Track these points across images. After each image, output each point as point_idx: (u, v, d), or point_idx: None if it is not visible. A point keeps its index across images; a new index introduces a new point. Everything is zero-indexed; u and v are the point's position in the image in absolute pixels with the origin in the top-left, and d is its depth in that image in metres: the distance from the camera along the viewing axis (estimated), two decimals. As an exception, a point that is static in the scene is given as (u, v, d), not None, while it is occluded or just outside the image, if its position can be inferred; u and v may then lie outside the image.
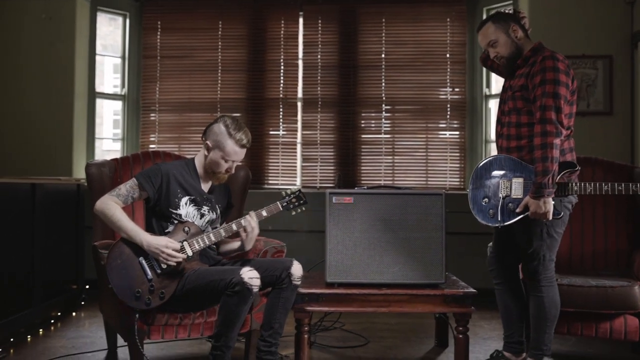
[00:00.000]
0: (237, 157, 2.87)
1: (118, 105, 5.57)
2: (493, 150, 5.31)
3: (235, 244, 3.00)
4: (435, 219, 3.11)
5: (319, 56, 5.38)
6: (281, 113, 5.40)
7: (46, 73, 5.03)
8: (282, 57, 5.40)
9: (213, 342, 2.70)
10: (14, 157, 4.96)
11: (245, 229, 2.85)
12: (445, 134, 5.37)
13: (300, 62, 5.40)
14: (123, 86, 5.50)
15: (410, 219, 3.11)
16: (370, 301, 3.04)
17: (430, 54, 5.35)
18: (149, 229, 2.88)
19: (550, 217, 2.68)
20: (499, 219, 2.78)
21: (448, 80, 5.34)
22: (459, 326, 3.04)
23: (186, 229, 2.81)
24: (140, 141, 5.45)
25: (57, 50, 5.05)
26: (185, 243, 2.77)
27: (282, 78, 5.40)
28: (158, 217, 2.85)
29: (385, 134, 5.36)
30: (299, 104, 5.40)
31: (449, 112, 5.34)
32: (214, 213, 2.95)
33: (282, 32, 5.41)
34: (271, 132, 5.37)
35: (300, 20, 5.40)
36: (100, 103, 5.44)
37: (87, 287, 4.63)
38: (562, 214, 2.74)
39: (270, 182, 5.37)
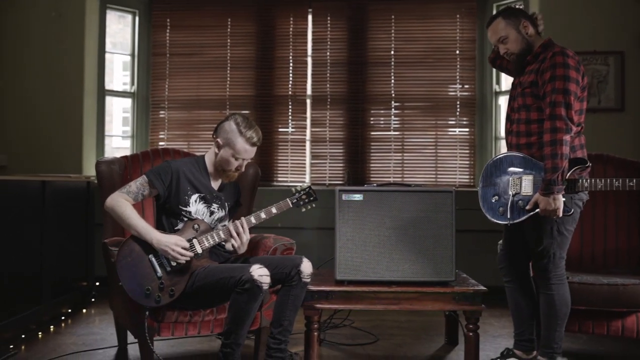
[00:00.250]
0: (248, 155, 2.87)
1: (127, 102, 5.58)
2: (503, 147, 5.28)
3: (230, 245, 2.98)
4: (446, 216, 3.10)
5: (328, 53, 5.37)
6: (290, 110, 5.39)
7: (56, 70, 5.05)
8: (291, 54, 5.39)
9: (223, 339, 2.70)
10: (24, 154, 4.99)
11: (232, 234, 2.80)
12: (455, 131, 5.35)
13: (309, 59, 5.39)
14: (132, 84, 5.51)
15: (420, 216, 3.10)
16: (380, 299, 3.03)
17: (440, 50, 5.32)
18: (159, 226, 2.88)
19: (561, 214, 2.66)
20: (509, 217, 2.77)
21: (458, 77, 5.31)
22: (469, 324, 3.03)
23: (196, 226, 2.81)
24: (150, 138, 5.46)
25: (67, 48, 5.06)
26: (194, 240, 2.77)
27: (291, 75, 5.40)
28: (168, 214, 2.86)
29: (394, 131, 5.34)
30: (308, 101, 5.39)
31: (458, 109, 5.31)
32: (223, 211, 2.95)
33: (291, 29, 5.40)
34: (280, 130, 5.37)
35: (309, 17, 5.38)
36: (109, 101, 5.46)
37: (97, 284, 4.65)
38: (573, 210, 2.72)
39: (279, 179, 5.37)
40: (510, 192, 2.78)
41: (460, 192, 3.12)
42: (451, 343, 3.54)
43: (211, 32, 5.44)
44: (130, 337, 3.35)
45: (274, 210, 2.91)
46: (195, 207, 2.85)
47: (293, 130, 5.39)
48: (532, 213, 2.72)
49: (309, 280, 2.84)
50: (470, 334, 3.02)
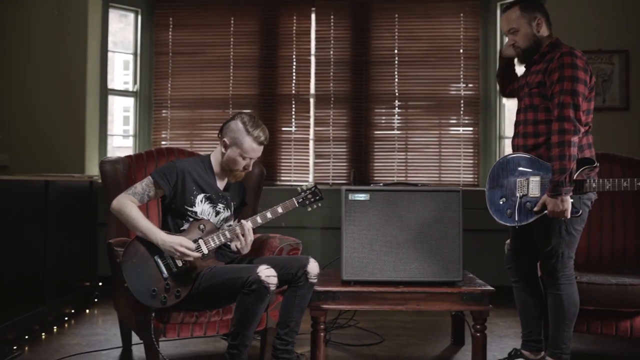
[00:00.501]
0: (255, 155, 2.85)
1: (128, 102, 5.55)
2: (507, 146, 5.26)
3: (234, 246, 2.96)
4: (452, 216, 3.08)
5: (331, 52, 5.35)
6: (293, 109, 5.37)
7: (57, 70, 5.02)
8: (294, 53, 5.37)
9: (229, 340, 2.68)
10: (26, 154, 4.96)
11: (238, 235, 2.79)
12: (459, 130, 5.33)
13: (312, 58, 5.37)
14: (135, 83, 5.49)
15: (427, 216, 3.08)
16: (387, 299, 3.01)
17: (444, 49, 5.30)
18: (165, 226, 2.86)
19: (569, 216, 2.64)
20: (517, 219, 2.75)
21: (461, 76, 5.29)
22: (476, 324, 3.01)
23: (201, 226, 2.79)
24: (152, 138, 5.44)
25: (69, 47, 5.03)
26: (200, 241, 2.75)
27: (294, 74, 5.37)
28: (173, 214, 2.84)
29: (398, 130, 5.32)
30: (312, 100, 5.37)
31: (462, 108, 5.29)
32: (229, 210, 2.93)
33: (294, 28, 5.37)
34: (283, 129, 5.34)
35: (313, 16, 5.36)
36: (110, 100, 5.43)
37: (100, 284, 4.63)
38: (581, 211, 2.70)
39: (282, 178, 5.34)
40: (517, 194, 2.76)
41: (464, 191, 3.10)
42: (457, 343, 3.51)
43: (214, 31, 5.41)
44: (135, 338, 3.32)
45: (280, 209, 2.89)
46: (201, 207, 2.83)
47: (296, 129, 5.36)
48: (539, 215, 2.70)
49: (315, 280, 2.83)
50: (478, 334, 3.01)
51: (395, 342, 3.55)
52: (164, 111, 5.45)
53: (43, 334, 3.62)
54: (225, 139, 2.83)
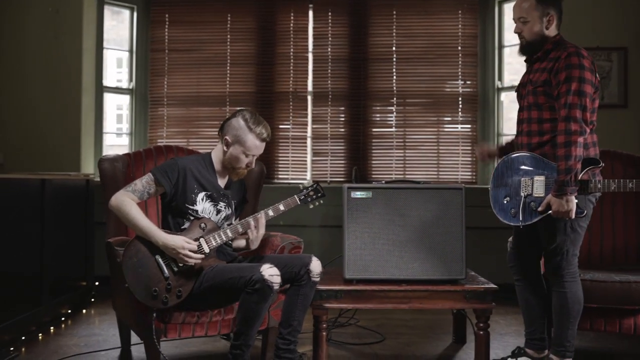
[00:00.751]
0: (258, 151, 2.82)
1: (121, 99, 5.51)
2: (505, 143, 5.24)
3: (242, 242, 2.94)
4: (455, 214, 3.06)
5: (329, 49, 5.32)
6: (291, 107, 5.33)
7: (53, 67, 4.97)
8: (291, 50, 5.33)
9: (232, 340, 2.65)
10: (21, 153, 4.90)
11: (251, 227, 2.77)
12: (457, 127, 5.31)
13: (310, 55, 5.34)
14: (131, 80, 5.43)
15: (430, 214, 3.06)
16: (389, 297, 2.99)
17: (442, 46, 5.28)
18: (165, 225, 2.82)
19: (573, 216, 2.62)
20: (521, 219, 2.72)
21: (460, 73, 5.27)
22: (479, 322, 2.99)
23: (202, 225, 2.75)
24: (149, 135, 5.39)
25: (64, 44, 4.98)
26: (202, 240, 2.71)
27: (291, 71, 5.34)
28: (174, 213, 2.80)
29: (396, 127, 5.30)
30: (309, 98, 5.34)
31: (460, 105, 5.27)
32: (230, 209, 2.90)
33: (291, 24, 5.34)
34: (281, 127, 5.31)
35: (310, 12, 5.33)
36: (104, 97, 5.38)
37: (97, 283, 4.58)
38: (586, 211, 2.68)
39: (280, 176, 5.31)
40: (522, 193, 2.74)
41: (463, 189, 3.09)
42: (459, 342, 3.50)
43: (211, 28, 5.37)
44: (134, 338, 3.28)
45: (281, 207, 2.86)
46: (202, 205, 2.80)
47: (294, 127, 5.33)
48: (544, 215, 2.68)
49: (318, 279, 2.80)
50: (481, 332, 2.99)
51: (397, 341, 3.53)
52: (160, 109, 5.41)
53: (40, 334, 3.58)
54: (227, 137, 2.80)
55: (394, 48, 5.29)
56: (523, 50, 2.85)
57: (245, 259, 2.92)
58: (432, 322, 3.98)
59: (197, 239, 2.70)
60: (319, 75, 5.33)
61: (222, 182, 2.89)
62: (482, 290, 2.97)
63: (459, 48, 5.26)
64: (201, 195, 2.79)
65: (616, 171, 3.40)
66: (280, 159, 5.32)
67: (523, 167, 2.77)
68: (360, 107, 5.30)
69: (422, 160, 5.28)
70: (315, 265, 2.77)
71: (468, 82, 5.27)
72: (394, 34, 5.29)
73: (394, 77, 5.30)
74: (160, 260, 2.64)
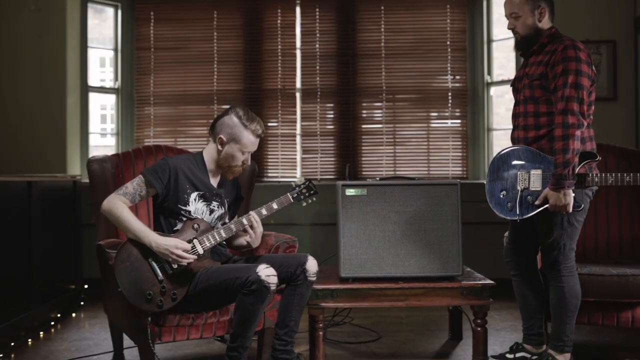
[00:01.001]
0: (253, 148, 2.77)
1: (105, 99, 5.43)
2: (496, 138, 5.25)
3: (244, 241, 2.89)
4: (451, 210, 3.04)
5: (317, 45, 5.28)
6: (279, 104, 5.29)
7: (37, 66, 4.88)
8: (279, 47, 5.28)
9: (229, 342, 2.60)
10: (6, 154, 4.80)
11: (250, 227, 2.73)
12: (447, 123, 5.30)
13: (298, 52, 5.29)
14: (116, 79, 5.35)
15: (425, 210, 3.03)
16: (386, 295, 2.96)
17: (430, 41, 5.26)
18: (157, 227, 2.76)
19: (571, 210, 2.61)
20: (518, 212, 2.70)
21: (449, 68, 5.26)
22: (476, 319, 2.97)
23: (195, 225, 2.70)
24: (136, 135, 5.31)
25: (48, 43, 4.89)
26: (195, 241, 2.66)
27: (279, 68, 5.29)
28: (166, 214, 2.74)
29: (386, 123, 5.27)
30: (298, 95, 5.29)
31: (450, 101, 5.26)
32: (223, 208, 2.85)
33: (278, 21, 5.28)
34: (270, 124, 5.26)
35: (297, 8, 5.28)
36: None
37: (86, 286, 4.51)
38: (583, 205, 2.67)
39: (269, 175, 5.26)
40: (518, 187, 2.71)
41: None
42: (455, 338, 3.48)
43: (197, 25, 5.30)
44: (126, 342, 3.22)
45: (275, 205, 2.81)
46: (195, 205, 2.74)
47: (283, 124, 5.28)
48: (541, 209, 2.66)
49: (314, 278, 2.76)
50: (479, 328, 2.97)
51: (393, 339, 3.51)
52: (147, 108, 5.33)
53: (29, 340, 3.51)
54: (221, 136, 2.74)
55: (382, 44, 5.26)
56: (518, 45, 2.83)
57: (240, 259, 2.87)
58: (428, 318, 3.96)
59: (190, 240, 2.65)
60: (308, 72, 5.28)
61: (214, 182, 2.84)
62: (479, 287, 2.95)
63: (448, 43, 5.24)
64: (194, 195, 2.74)
65: (610, 164, 3.39)
66: (270, 157, 5.27)
67: (519, 161, 2.74)
68: (349, 103, 5.26)
69: (412, 156, 5.27)
70: (312, 265, 2.73)
71: (457, 77, 5.26)
72: (382, 30, 5.26)
73: (383, 72, 5.27)
74: (153, 263, 2.58)
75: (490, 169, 2.83)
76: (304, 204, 2.89)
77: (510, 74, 5.17)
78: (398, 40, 5.26)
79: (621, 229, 3.41)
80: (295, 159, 5.29)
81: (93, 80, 5.31)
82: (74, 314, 4.16)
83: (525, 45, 2.81)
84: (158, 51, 5.32)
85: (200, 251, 2.65)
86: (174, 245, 2.56)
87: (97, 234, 3.06)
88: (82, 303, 4.41)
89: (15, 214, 3.57)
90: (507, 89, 4.95)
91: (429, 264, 3.01)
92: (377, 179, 3.14)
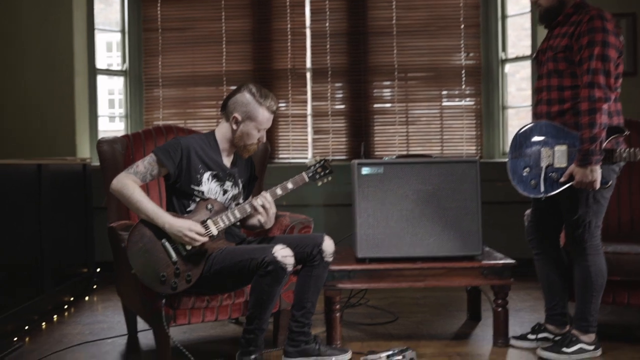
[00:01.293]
0: (269, 124, 2.71)
1: (113, 84, 5.36)
2: (511, 117, 5.15)
3: (257, 220, 2.83)
4: (470, 188, 2.97)
5: (327, 24, 5.16)
6: (290, 84, 5.19)
7: (44, 49, 4.81)
8: (289, 25, 5.17)
9: (245, 325, 2.55)
10: (15, 138, 4.75)
11: (262, 208, 2.65)
12: (460, 101, 5.19)
13: (308, 31, 5.18)
14: (124, 61, 5.27)
15: (444, 189, 2.96)
16: (404, 276, 2.90)
17: (443, 18, 5.13)
18: (170, 208, 2.70)
19: (598, 186, 2.52)
20: (542, 190, 2.62)
21: (462, 45, 5.14)
22: (497, 299, 2.91)
23: (209, 206, 2.64)
24: (145, 118, 5.24)
25: (54, 26, 4.81)
26: (209, 221, 2.59)
27: (289, 48, 5.18)
28: (179, 195, 2.68)
29: (398, 102, 5.17)
30: (308, 75, 5.20)
31: (463, 79, 5.15)
32: (237, 188, 2.78)
33: (288, -1, 5.18)
34: (280, 105, 5.17)
35: (307, -14, 5.17)
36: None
37: (98, 270, 4.48)
38: (611, 182, 2.58)
39: (280, 156, 5.19)
40: (542, 164, 2.63)
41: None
42: (474, 319, 3.41)
43: (204, 5, 5.18)
44: (140, 325, 3.19)
45: (289, 185, 2.74)
46: (208, 186, 2.68)
47: (293, 105, 5.20)
48: (566, 186, 2.57)
49: (331, 259, 2.69)
50: (499, 309, 2.91)
51: (410, 320, 3.45)
52: (155, 90, 5.25)
53: (43, 323, 3.48)
54: (235, 115, 2.66)
55: (394, 21, 5.14)
56: (542, 18, 2.73)
57: (255, 240, 2.80)
58: (444, 299, 3.90)
59: (204, 221, 2.58)
60: (318, 51, 5.18)
61: (227, 161, 2.77)
62: (500, 266, 2.89)
63: (461, 19, 5.12)
64: (207, 175, 2.67)
65: (633, 140, 3.29)
66: (281, 138, 5.19)
67: (543, 136, 2.65)
68: (360, 82, 5.16)
69: (425, 135, 5.17)
70: (328, 245, 2.67)
71: (471, 54, 5.14)
72: (394, 7, 5.13)
73: (395, 50, 5.15)
74: (167, 244, 2.53)
75: (512, 146, 2.74)
76: (320, 183, 2.82)
77: (522, 51, 5.05)
78: (410, 17, 5.14)
79: (644, 206, 3.32)
80: (306, 139, 5.21)
81: (101, 64, 5.23)
82: (87, 298, 4.13)
83: (549, 17, 2.70)
84: (165, 32, 5.23)
85: (215, 232, 2.59)
86: (188, 227, 2.50)
87: (108, 216, 3.01)
88: (94, 286, 4.37)
89: (25, 198, 3.52)
90: (518, 68, 4.82)
91: (448, 243, 2.95)
92: (394, 157, 3.07)
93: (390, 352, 2.51)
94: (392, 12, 5.14)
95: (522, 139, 2.71)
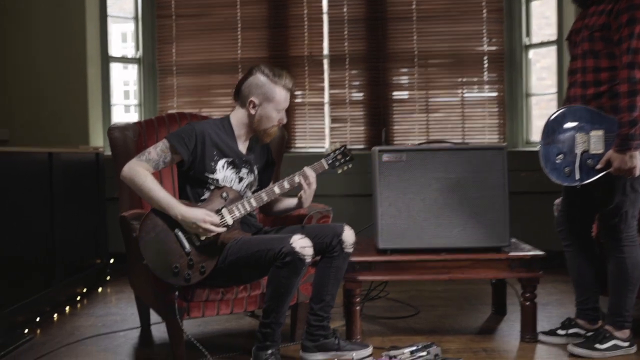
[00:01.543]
0: (287, 104, 2.60)
1: (128, 74, 5.26)
2: (535, 104, 4.98)
3: (291, 202, 2.71)
4: (497, 176, 2.82)
5: (345, 9, 5.02)
6: (306, 72, 5.07)
7: (56, 37, 4.72)
8: (305, 11, 5.04)
9: (261, 319, 2.44)
10: (26, 128, 4.68)
11: (305, 181, 2.55)
12: (483, 89, 5.04)
13: (325, 17, 5.04)
14: (137, 49, 5.17)
15: (469, 177, 2.82)
16: (428, 268, 2.77)
17: (465, 2, 4.96)
18: (183, 196, 2.59)
19: (638, 173, 2.37)
20: (577, 178, 2.47)
21: (484, 31, 4.97)
22: (525, 292, 2.78)
23: (224, 194, 2.52)
24: (159, 107, 5.15)
25: (67, 13, 4.73)
26: (224, 210, 2.48)
27: (306, 34, 5.05)
28: (192, 183, 2.57)
29: (418, 90, 5.03)
30: (325, 62, 5.06)
31: (485, 65, 4.99)
32: (252, 175, 2.66)
33: (304, -17, 5.04)
34: (296, 93, 5.05)
35: (324, -30, 5.03)
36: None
37: (112, 261, 4.40)
38: None
39: (297, 145, 5.07)
40: (577, 150, 2.48)
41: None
42: (499, 313, 3.28)
43: (219, -10, 5.09)
44: (153, 317, 3.11)
45: (309, 172, 2.61)
46: (223, 173, 2.56)
47: (310, 93, 5.07)
48: (603, 173, 2.43)
49: (351, 250, 2.57)
50: (527, 303, 2.78)
51: (432, 314, 3.32)
52: (169, 78, 5.15)
53: (55, 315, 3.40)
54: (252, 99, 2.54)
55: (413, 6, 4.99)
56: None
57: (272, 229, 2.69)
58: (467, 292, 3.77)
59: (219, 210, 2.47)
60: (335, 38, 5.04)
61: (243, 147, 2.65)
62: (528, 258, 2.75)
63: (483, 3, 4.95)
64: (222, 162, 2.55)
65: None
66: (297, 126, 5.07)
67: (577, 121, 2.50)
68: (379, 69, 5.02)
69: (446, 124, 5.03)
70: (348, 235, 2.55)
71: (493, 40, 4.98)
72: (414, -9, 4.99)
73: (415, 36, 5.01)
74: (180, 234, 2.42)
75: (545, 132, 2.59)
76: (339, 171, 2.69)
77: (545, 37, 4.88)
78: (430, 2, 4.98)
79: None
80: (323, 128, 5.09)
81: (115, 54, 5.13)
82: (100, 289, 4.06)
83: None
84: (179, 19, 5.12)
85: (230, 222, 2.47)
86: (202, 218, 2.39)
87: (120, 205, 2.91)
88: (108, 278, 4.30)
89: (37, 187, 3.44)
90: (538, 57, 4.63)
91: (473, 234, 2.81)
92: (417, 143, 2.93)
93: (413, 348, 2.38)
94: (411, -4, 4.99)
95: (554, 124, 2.56)
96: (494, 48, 4.97)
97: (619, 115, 2.36)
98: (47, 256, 3.52)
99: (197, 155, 2.52)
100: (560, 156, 2.52)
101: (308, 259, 2.33)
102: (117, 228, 2.89)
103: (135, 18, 5.16)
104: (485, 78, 5.00)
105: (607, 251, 2.60)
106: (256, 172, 2.69)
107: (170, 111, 5.03)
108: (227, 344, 2.87)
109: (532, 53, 4.95)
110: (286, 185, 2.56)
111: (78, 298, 3.79)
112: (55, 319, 3.36)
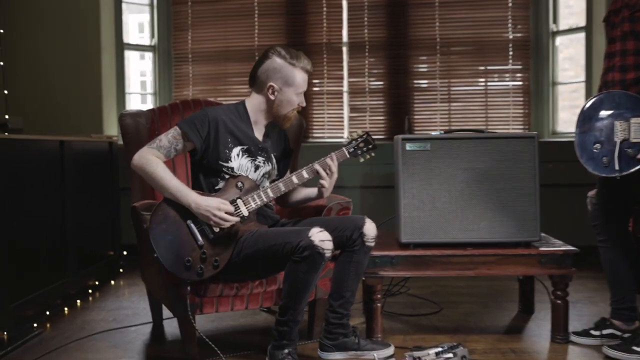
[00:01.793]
0: (306, 86, 2.47)
1: (145, 65, 5.15)
2: (561, 93, 4.79)
3: (310, 192, 2.58)
4: (527, 167, 2.67)
5: (365, -6, 4.87)
6: (325, 60, 4.92)
7: (69, 23, 4.64)
8: (324, -4, 4.90)
9: (278, 316, 2.31)
10: (40, 116, 4.60)
11: (328, 170, 2.43)
12: (507, 77, 4.86)
13: (344, 2, 4.89)
14: (152, 36, 5.06)
15: (498, 167, 2.67)
16: (453, 264, 2.63)
17: (489, -13, 4.80)
18: (196, 186, 2.47)
19: None
20: (617, 168, 2.30)
21: (509, 17, 4.79)
22: (556, 290, 2.63)
23: (239, 184, 2.40)
24: (174, 95, 5.04)
25: (80, 0, 4.63)
26: (239, 201, 2.35)
27: (324, 21, 4.91)
28: (206, 172, 2.44)
29: (440, 78, 4.86)
30: (345, 49, 4.92)
31: (510, 53, 4.80)
32: (269, 164, 2.53)
33: (323, -32, 4.89)
34: (315, 81, 4.91)
35: (344, -46, 4.87)
36: (125, 62, 5.02)
37: (125, 253, 4.31)
38: None
39: (315, 135, 4.94)
40: (616, 139, 2.31)
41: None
42: (526, 311, 3.12)
43: (236, -24, 4.95)
44: (166, 312, 2.99)
45: (329, 161, 2.47)
46: (238, 162, 2.43)
47: (329, 81, 4.93)
48: None
49: (373, 244, 2.43)
50: (559, 301, 2.63)
51: (456, 311, 3.18)
52: (184, 66, 5.04)
53: (66, 308, 3.31)
54: (272, 83, 2.41)
55: (436, -9, 4.83)
56: None
57: (290, 222, 2.56)
58: (492, 289, 3.62)
59: (234, 201, 2.35)
60: (355, 24, 4.89)
61: (258, 134, 2.52)
62: (560, 254, 2.60)
63: (509, -12, 4.78)
64: (237, 150, 2.42)
65: None
66: (315, 115, 4.93)
67: (616, 108, 2.33)
68: (400, 57, 4.86)
69: (468, 113, 4.86)
70: (370, 228, 2.41)
71: (519, 27, 4.79)
72: (436, -24, 4.81)
73: (437, 23, 4.84)
74: (192, 225, 2.30)
75: (580, 119, 2.43)
76: (362, 159, 2.55)
77: (568, 26, 4.68)
78: (454, -13, 4.82)
79: None
80: (342, 117, 4.94)
81: (130, 41, 5.02)
82: (112, 282, 3.97)
83: None
84: (195, 5, 5.00)
85: (245, 213, 2.35)
86: (216, 206, 2.26)
87: (132, 194, 2.80)
88: (121, 270, 4.21)
89: (48, 176, 3.34)
90: (561, 47, 4.44)
91: (502, 228, 2.66)
92: (442, 132, 2.78)
93: (439, 349, 2.24)
94: (434, -18, 4.82)
95: (591, 111, 2.39)
96: (519, 35, 4.79)
97: (664, 100, 2.20)
98: (58, 247, 3.42)
99: (210, 143, 2.39)
100: (598, 145, 2.36)
101: (327, 253, 2.19)
102: (130, 219, 2.79)
103: (151, 5, 5.05)
104: (510, 66, 4.82)
105: (646, 247, 2.45)
106: (274, 160, 2.55)
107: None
108: (242, 342, 2.75)
109: (558, 40, 4.75)
110: (305, 174, 2.43)
111: (90, 291, 3.70)
112: (66, 312, 3.27)
